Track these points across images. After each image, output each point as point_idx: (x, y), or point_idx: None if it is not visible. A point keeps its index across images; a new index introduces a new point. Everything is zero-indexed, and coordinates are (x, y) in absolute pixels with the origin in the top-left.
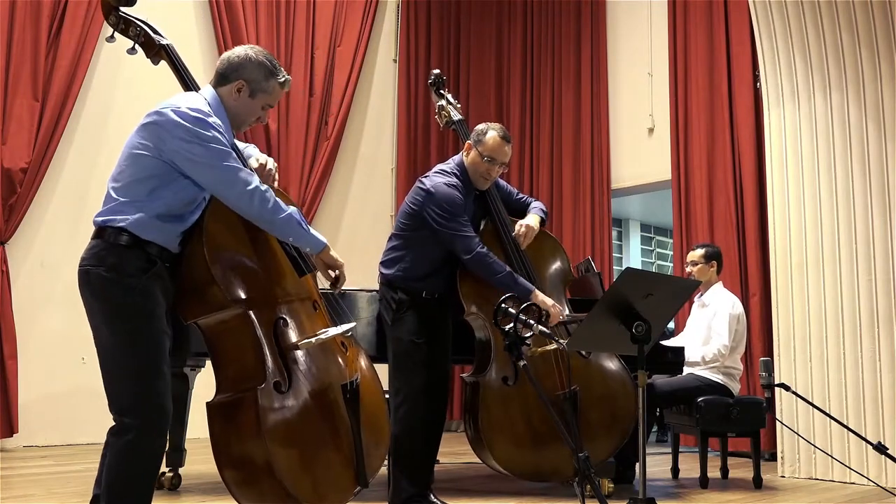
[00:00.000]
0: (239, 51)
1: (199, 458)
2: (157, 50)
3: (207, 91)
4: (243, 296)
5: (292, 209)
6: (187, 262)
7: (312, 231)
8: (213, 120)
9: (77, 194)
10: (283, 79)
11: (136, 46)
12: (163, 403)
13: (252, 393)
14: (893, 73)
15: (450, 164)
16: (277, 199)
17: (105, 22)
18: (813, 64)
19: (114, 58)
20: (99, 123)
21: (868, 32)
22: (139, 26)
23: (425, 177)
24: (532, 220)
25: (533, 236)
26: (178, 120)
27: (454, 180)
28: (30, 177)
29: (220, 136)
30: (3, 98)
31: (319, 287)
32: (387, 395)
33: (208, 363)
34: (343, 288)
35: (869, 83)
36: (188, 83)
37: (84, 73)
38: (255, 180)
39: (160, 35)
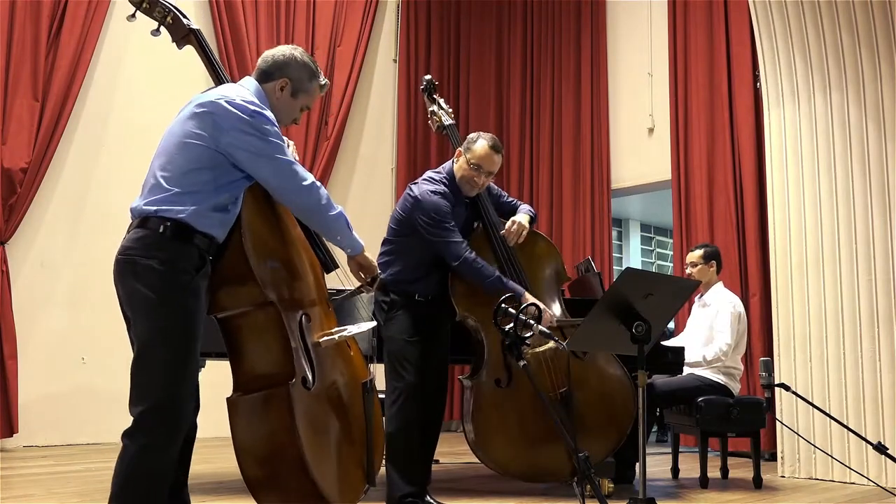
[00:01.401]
0: (284, 49)
1: (199, 458)
2: (185, 34)
3: (250, 83)
4: (277, 291)
5: (341, 208)
6: (225, 254)
7: (354, 233)
8: (269, 114)
9: (77, 194)
10: (323, 81)
11: (161, 28)
12: (183, 412)
13: (283, 389)
14: (893, 73)
15: (440, 172)
16: (329, 196)
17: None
18: (813, 64)
19: (114, 58)
20: (99, 123)
21: (868, 32)
22: (167, 7)
23: (414, 183)
24: (522, 218)
25: (523, 234)
26: (237, 112)
27: (441, 188)
28: (30, 177)
29: (277, 131)
30: (3, 98)
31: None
32: (381, 395)
33: (209, 362)
34: (342, 287)
35: (869, 83)
36: (216, 69)
37: (84, 73)
38: (311, 176)
39: (188, 19)
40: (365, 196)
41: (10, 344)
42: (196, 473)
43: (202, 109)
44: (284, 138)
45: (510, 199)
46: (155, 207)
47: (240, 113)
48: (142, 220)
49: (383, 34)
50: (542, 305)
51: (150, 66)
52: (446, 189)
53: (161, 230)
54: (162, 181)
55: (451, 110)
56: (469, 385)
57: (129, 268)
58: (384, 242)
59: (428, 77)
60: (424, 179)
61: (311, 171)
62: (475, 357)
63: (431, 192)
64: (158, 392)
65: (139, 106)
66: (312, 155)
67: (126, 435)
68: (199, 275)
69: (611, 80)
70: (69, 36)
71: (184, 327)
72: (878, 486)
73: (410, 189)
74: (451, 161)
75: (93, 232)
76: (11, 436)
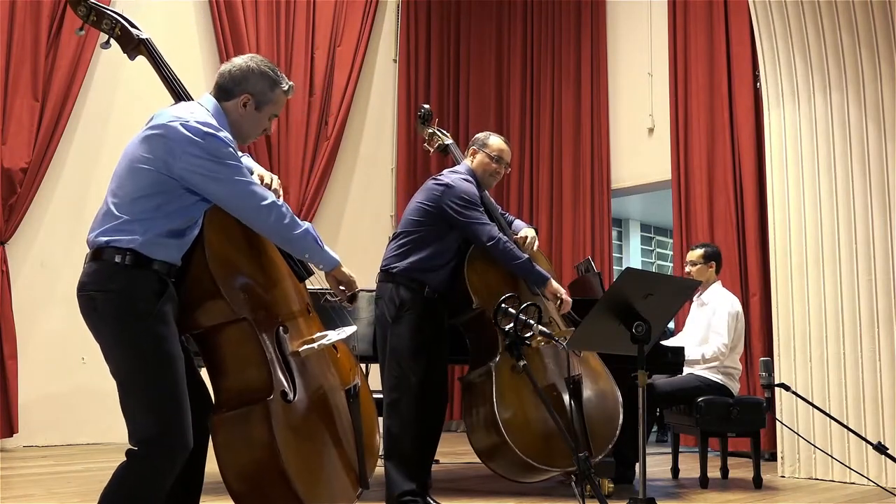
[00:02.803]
0: (239, 62)
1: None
2: (135, 44)
3: (208, 101)
4: (247, 305)
5: (307, 224)
6: (190, 274)
7: (326, 248)
8: (224, 134)
9: (77, 194)
10: (286, 86)
11: (111, 40)
12: (183, 437)
13: (262, 405)
14: (893, 73)
15: (458, 171)
16: (293, 214)
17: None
18: (813, 64)
19: (114, 58)
20: (99, 123)
21: (868, 32)
22: (114, 18)
23: (439, 175)
24: (531, 231)
25: (535, 241)
26: (189, 135)
27: (468, 177)
28: (30, 177)
29: (232, 151)
30: (3, 98)
31: (311, 288)
32: (376, 396)
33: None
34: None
35: (869, 83)
36: (169, 79)
37: (84, 73)
38: (270, 195)
39: (137, 28)
40: (365, 196)
41: (10, 344)
42: None
43: (153, 132)
44: (268, 173)
45: (504, 212)
46: (106, 238)
47: (192, 135)
48: (95, 252)
49: (383, 34)
50: (564, 291)
51: (150, 66)
52: (472, 180)
53: (116, 260)
54: (113, 208)
55: (447, 133)
56: (486, 370)
57: (89, 304)
58: (400, 235)
59: (426, 106)
60: (449, 171)
61: (310, 171)
62: (485, 347)
63: (463, 178)
64: (151, 425)
65: (139, 106)
66: (312, 155)
67: (128, 454)
68: (163, 298)
69: (611, 80)
70: (69, 36)
71: (156, 353)
72: (878, 486)
73: (437, 179)
74: (462, 164)
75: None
76: (11, 436)
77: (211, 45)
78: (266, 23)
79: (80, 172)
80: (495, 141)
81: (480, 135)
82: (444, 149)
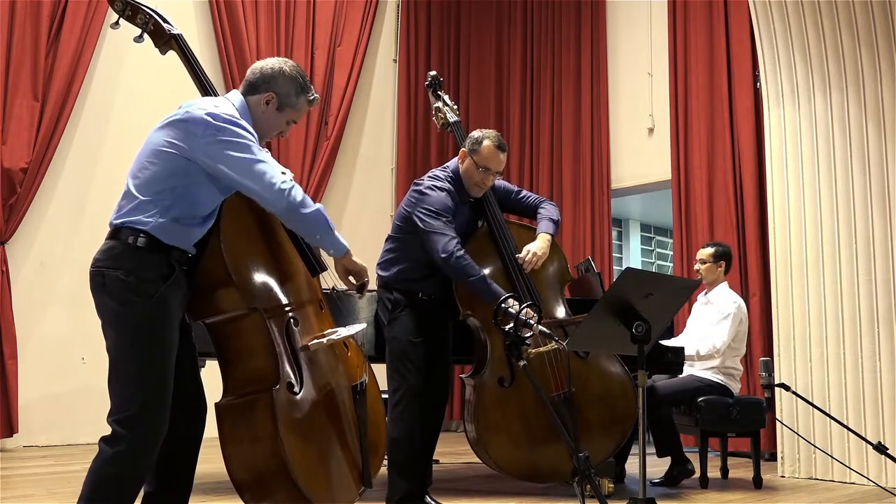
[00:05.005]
0: (272, 62)
1: (200, 458)
2: (166, 39)
3: (235, 97)
4: (259, 296)
5: (319, 205)
6: (204, 262)
7: (337, 234)
8: (244, 123)
9: (77, 194)
10: (312, 96)
11: (144, 35)
12: (160, 421)
13: (267, 394)
14: (893, 73)
15: (445, 170)
16: (305, 195)
17: (110, 8)
18: (813, 64)
19: (114, 58)
20: (99, 123)
21: (868, 32)
22: (148, 13)
23: (420, 181)
24: (539, 246)
25: (540, 262)
26: (210, 120)
27: (446, 185)
28: (30, 177)
29: (250, 136)
30: (3, 98)
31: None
32: (384, 395)
33: (210, 363)
34: (343, 287)
35: (869, 83)
36: (198, 74)
37: (84, 73)
38: (288, 176)
39: (170, 24)
40: (365, 196)
41: (10, 344)
42: (196, 473)
43: (176, 118)
44: (285, 169)
45: (524, 195)
46: (122, 220)
47: (211, 120)
48: (113, 232)
49: (383, 34)
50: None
51: (151, 66)
52: (451, 187)
53: (129, 241)
54: (133, 189)
55: (455, 107)
56: (472, 384)
57: (98, 280)
58: (388, 240)
59: (433, 73)
60: (430, 177)
61: (310, 171)
62: (477, 356)
63: (437, 187)
64: (131, 403)
65: (139, 106)
66: (312, 155)
67: (103, 440)
68: (168, 283)
69: (611, 80)
70: (69, 36)
71: (151, 337)
72: (878, 486)
73: (415, 185)
74: (455, 160)
75: (93, 232)
76: (11, 436)
77: (211, 44)
78: (266, 23)
79: (80, 172)
80: (485, 147)
81: (475, 134)
82: (448, 127)
